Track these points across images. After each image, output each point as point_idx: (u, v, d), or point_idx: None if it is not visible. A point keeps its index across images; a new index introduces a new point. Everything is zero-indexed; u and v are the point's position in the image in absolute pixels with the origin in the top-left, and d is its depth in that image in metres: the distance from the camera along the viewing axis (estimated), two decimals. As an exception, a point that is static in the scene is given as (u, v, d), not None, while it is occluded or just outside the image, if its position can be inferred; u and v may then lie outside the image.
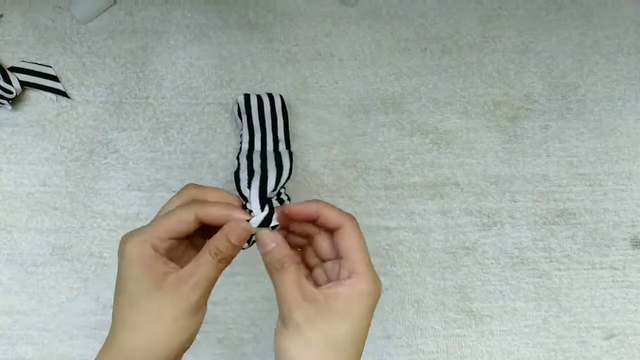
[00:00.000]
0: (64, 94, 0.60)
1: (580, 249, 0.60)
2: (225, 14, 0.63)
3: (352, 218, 0.37)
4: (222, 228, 0.36)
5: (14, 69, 0.59)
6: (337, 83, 0.62)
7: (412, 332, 0.58)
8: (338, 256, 0.37)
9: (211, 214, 0.35)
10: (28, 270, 0.57)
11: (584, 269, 0.60)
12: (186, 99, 0.61)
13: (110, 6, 0.63)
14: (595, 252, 0.60)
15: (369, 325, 0.35)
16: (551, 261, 0.60)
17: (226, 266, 0.36)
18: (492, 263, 0.60)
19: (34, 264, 0.57)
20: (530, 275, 0.60)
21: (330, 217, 0.37)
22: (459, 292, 0.59)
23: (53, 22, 0.62)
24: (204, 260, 0.35)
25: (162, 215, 0.36)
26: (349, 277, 0.35)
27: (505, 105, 0.63)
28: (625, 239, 0.61)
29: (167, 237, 0.35)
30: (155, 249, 0.34)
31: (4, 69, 0.58)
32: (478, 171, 0.61)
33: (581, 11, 0.65)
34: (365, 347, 0.59)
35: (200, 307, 0.35)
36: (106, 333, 0.56)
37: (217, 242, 0.35)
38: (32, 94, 0.60)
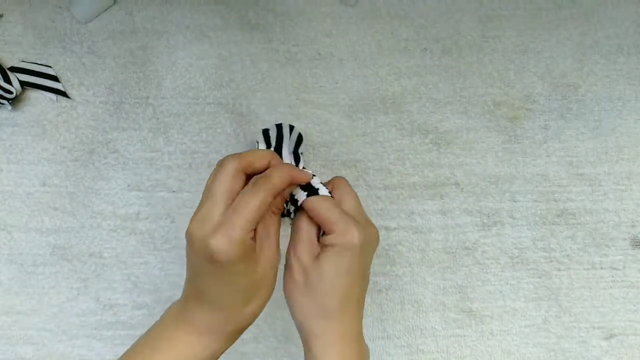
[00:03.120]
0: (64, 94, 0.60)
1: (580, 249, 0.60)
2: (225, 14, 0.63)
3: (338, 178, 0.42)
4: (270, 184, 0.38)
5: (14, 69, 0.59)
6: (337, 83, 0.62)
7: (412, 332, 0.58)
8: None
9: (282, 182, 0.37)
10: (28, 270, 0.57)
11: (584, 269, 0.60)
12: (186, 99, 0.61)
13: (110, 6, 0.63)
14: (595, 252, 0.60)
15: (356, 268, 0.38)
16: (551, 261, 0.60)
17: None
18: (492, 263, 0.60)
19: (34, 264, 0.57)
20: (530, 275, 0.60)
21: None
22: (459, 292, 0.59)
23: (53, 22, 0.62)
24: (272, 222, 0.39)
25: (242, 203, 0.35)
26: (334, 225, 0.38)
27: (505, 105, 0.63)
28: (625, 239, 0.61)
29: (252, 228, 0.36)
30: (251, 240, 0.36)
31: (4, 69, 0.58)
32: (478, 171, 0.61)
33: (581, 11, 0.65)
34: (365, 347, 0.59)
35: (279, 260, 0.39)
36: (107, 333, 0.57)
37: (277, 201, 0.39)
38: (32, 94, 0.60)
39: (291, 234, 0.40)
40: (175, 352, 0.37)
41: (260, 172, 0.38)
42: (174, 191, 0.59)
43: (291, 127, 0.56)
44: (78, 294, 0.57)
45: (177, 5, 0.63)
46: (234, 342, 0.39)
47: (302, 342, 0.40)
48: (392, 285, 0.59)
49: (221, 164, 0.37)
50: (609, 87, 0.64)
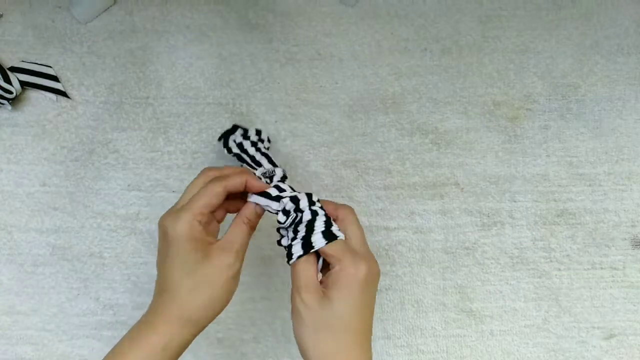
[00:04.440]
0: (64, 94, 0.60)
1: (580, 249, 0.60)
2: (225, 14, 0.63)
3: (346, 208, 0.44)
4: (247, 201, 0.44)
5: (14, 69, 0.59)
6: (337, 83, 0.62)
7: (412, 332, 0.58)
8: None
9: (234, 182, 0.42)
10: (28, 270, 0.57)
11: (584, 269, 0.60)
12: (186, 99, 0.61)
13: (110, 6, 0.63)
14: (595, 252, 0.60)
15: (367, 297, 0.40)
16: (551, 261, 0.60)
17: (253, 232, 0.44)
18: (492, 263, 0.60)
19: (34, 264, 0.57)
20: (530, 275, 0.60)
21: (327, 209, 0.44)
22: (459, 292, 0.59)
23: (53, 22, 0.62)
24: (240, 230, 0.42)
25: (197, 193, 0.41)
26: (337, 262, 0.40)
27: (505, 105, 0.63)
28: (625, 239, 0.61)
29: (207, 212, 0.41)
30: (200, 223, 0.40)
31: (4, 69, 0.58)
32: (478, 171, 0.61)
33: (581, 11, 0.65)
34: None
35: (240, 270, 0.42)
36: (107, 333, 0.57)
37: (247, 211, 0.43)
38: (32, 94, 0.60)
39: (292, 278, 0.42)
40: (136, 349, 0.39)
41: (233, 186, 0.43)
42: (174, 191, 0.59)
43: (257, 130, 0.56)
44: (78, 294, 0.57)
45: (177, 5, 0.63)
46: (192, 333, 0.40)
47: None
48: (392, 285, 0.59)
49: (202, 171, 0.44)
50: (609, 87, 0.64)
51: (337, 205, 0.44)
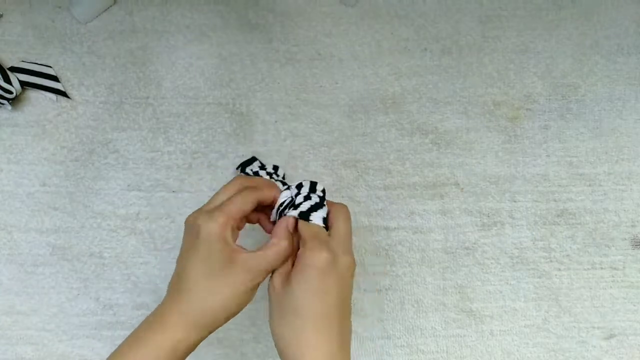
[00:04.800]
0: (64, 94, 0.60)
1: (580, 249, 0.60)
2: (225, 14, 0.63)
3: (340, 205, 0.44)
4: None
5: (14, 69, 0.59)
6: (337, 83, 0.62)
7: (412, 332, 0.58)
8: None
9: (266, 195, 0.43)
10: (28, 270, 0.57)
11: (584, 269, 0.60)
12: (186, 99, 0.61)
13: (110, 6, 0.63)
14: (595, 252, 0.60)
15: (325, 288, 0.40)
16: (551, 261, 0.60)
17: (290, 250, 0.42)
18: (492, 263, 0.60)
19: (34, 264, 0.57)
20: (530, 275, 0.60)
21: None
22: (459, 292, 0.59)
23: (53, 22, 0.62)
24: (273, 252, 0.41)
25: (232, 199, 0.41)
26: (301, 249, 0.41)
27: (505, 105, 0.63)
28: (625, 239, 0.61)
29: (239, 217, 0.41)
30: (232, 229, 0.41)
31: (4, 69, 0.58)
32: (478, 171, 0.61)
33: (581, 11, 0.65)
34: (365, 347, 0.59)
35: (259, 285, 0.41)
36: (107, 333, 0.57)
37: (283, 230, 0.42)
38: (32, 94, 0.60)
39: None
40: (144, 349, 0.39)
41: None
42: (174, 191, 0.59)
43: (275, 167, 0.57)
44: (78, 294, 0.57)
45: (177, 5, 0.63)
46: (201, 336, 0.40)
47: None
48: (392, 285, 0.59)
49: (235, 178, 0.44)
50: (609, 87, 0.64)
51: (333, 203, 0.44)
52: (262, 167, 0.56)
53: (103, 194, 0.59)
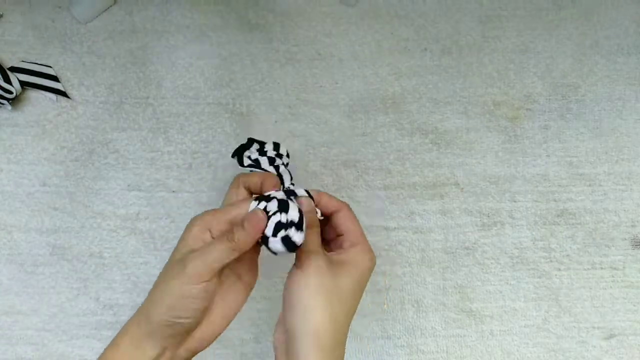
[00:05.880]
0: (64, 94, 0.60)
1: (580, 249, 0.60)
2: (225, 14, 0.63)
3: (346, 203, 0.45)
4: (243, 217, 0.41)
5: (14, 69, 0.59)
6: (337, 83, 0.62)
7: (412, 332, 0.58)
8: (338, 234, 0.44)
9: (253, 181, 0.43)
10: (28, 270, 0.57)
11: (584, 269, 0.60)
12: (186, 99, 0.61)
13: (110, 6, 0.63)
14: (595, 252, 0.60)
15: (365, 286, 0.42)
16: (551, 261, 0.60)
17: (239, 253, 0.39)
18: (492, 263, 0.60)
19: (34, 264, 0.57)
20: (530, 275, 0.60)
21: (331, 203, 0.44)
22: (459, 292, 0.59)
23: (53, 22, 0.62)
24: (221, 247, 0.39)
25: (226, 205, 0.41)
26: (352, 246, 0.42)
27: (505, 105, 0.63)
28: (625, 239, 0.61)
29: (227, 222, 0.40)
30: (210, 232, 0.40)
31: (4, 69, 0.58)
32: (478, 171, 0.61)
33: (581, 11, 0.65)
34: (365, 347, 0.59)
35: (214, 287, 0.39)
36: (107, 333, 0.57)
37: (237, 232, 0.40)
38: (32, 94, 0.60)
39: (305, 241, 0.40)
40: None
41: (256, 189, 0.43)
42: (174, 191, 0.59)
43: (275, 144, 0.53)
44: (78, 294, 0.57)
45: (177, 5, 0.63)
46: (160, 347, 0.39)
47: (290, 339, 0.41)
48: (392, 285, 0.59)
49: (233, 182, 0.44)
50: (609, 87, 0.64)
51: (338, 200, 0.44)
52: (262, 151, 0.50)
53: (103, 194, 0.59)
